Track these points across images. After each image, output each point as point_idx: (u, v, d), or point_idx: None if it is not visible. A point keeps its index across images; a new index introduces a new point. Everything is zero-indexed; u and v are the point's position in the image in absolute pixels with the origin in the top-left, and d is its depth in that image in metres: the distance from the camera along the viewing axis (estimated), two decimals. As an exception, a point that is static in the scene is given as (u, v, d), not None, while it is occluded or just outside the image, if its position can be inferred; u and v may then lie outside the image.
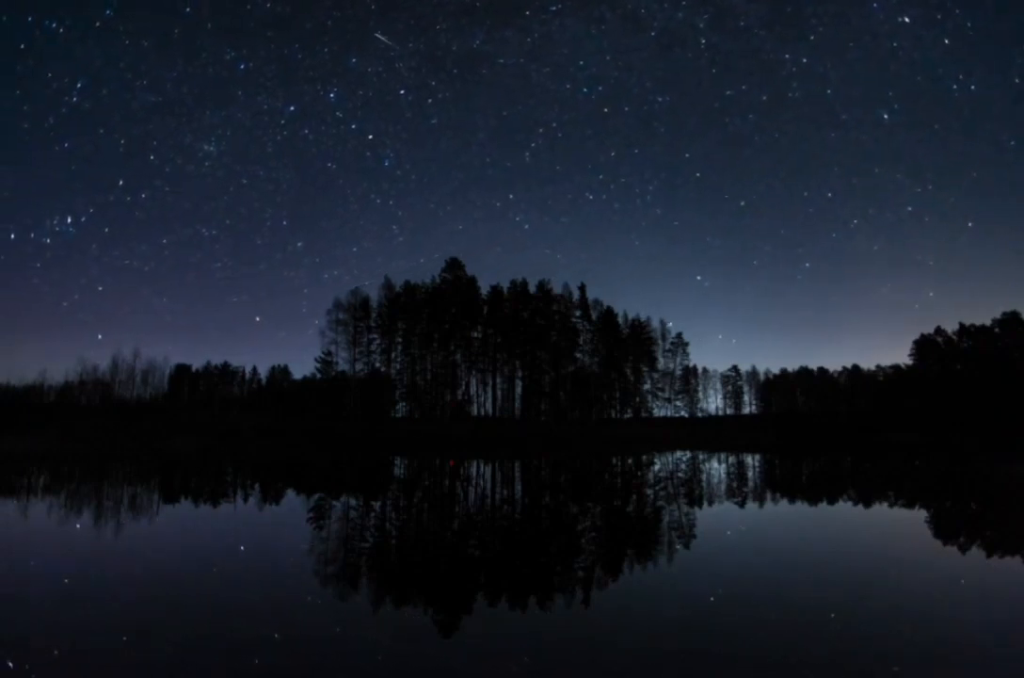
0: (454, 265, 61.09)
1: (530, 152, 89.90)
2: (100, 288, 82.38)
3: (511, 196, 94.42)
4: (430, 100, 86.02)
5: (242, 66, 74.79)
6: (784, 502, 10.50)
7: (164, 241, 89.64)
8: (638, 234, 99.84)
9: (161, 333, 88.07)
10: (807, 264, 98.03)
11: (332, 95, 76.92)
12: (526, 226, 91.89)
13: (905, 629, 3.69)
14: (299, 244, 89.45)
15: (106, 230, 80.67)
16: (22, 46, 67.86)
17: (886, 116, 77.84)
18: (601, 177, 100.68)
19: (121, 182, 78.40)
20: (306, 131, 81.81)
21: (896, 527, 7.89)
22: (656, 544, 6.48)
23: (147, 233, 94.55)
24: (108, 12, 66.48)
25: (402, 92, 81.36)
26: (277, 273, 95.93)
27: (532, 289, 61.95)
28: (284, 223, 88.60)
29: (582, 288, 63.59)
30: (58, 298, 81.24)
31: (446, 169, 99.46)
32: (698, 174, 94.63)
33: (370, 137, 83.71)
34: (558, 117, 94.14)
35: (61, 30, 65.84)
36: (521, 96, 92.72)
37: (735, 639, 3.49)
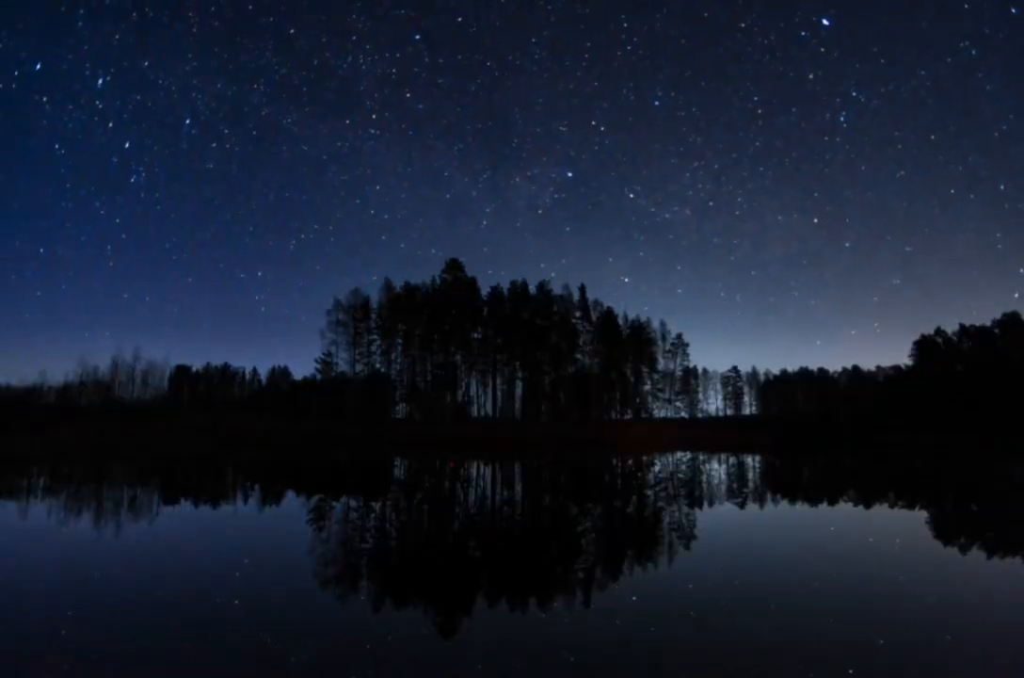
0: (454, 266, 61.15)
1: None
2: (100, 289, 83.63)
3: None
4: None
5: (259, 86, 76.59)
6: (784, 503, 10.50)
7: (164, 241, 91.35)
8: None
9: (161, 334, 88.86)
10: (805, 266, 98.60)
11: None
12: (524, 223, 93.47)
13: (907, 631, 3.69)
14: (302, 242, 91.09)
15: (112, 232, 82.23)
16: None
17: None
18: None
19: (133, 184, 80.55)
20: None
21: (897, 528, 7.89)
22: (656, 545, 6.47)
23: (148, 234, 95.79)
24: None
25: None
26: (279, 273, 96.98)
27: (532, 290, 62.05)
28: (290, 222, 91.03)
29: (582, 289, 63.74)
30: (58, 299, 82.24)
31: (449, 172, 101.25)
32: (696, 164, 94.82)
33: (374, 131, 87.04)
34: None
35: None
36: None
37: (736, 640, 3.49)
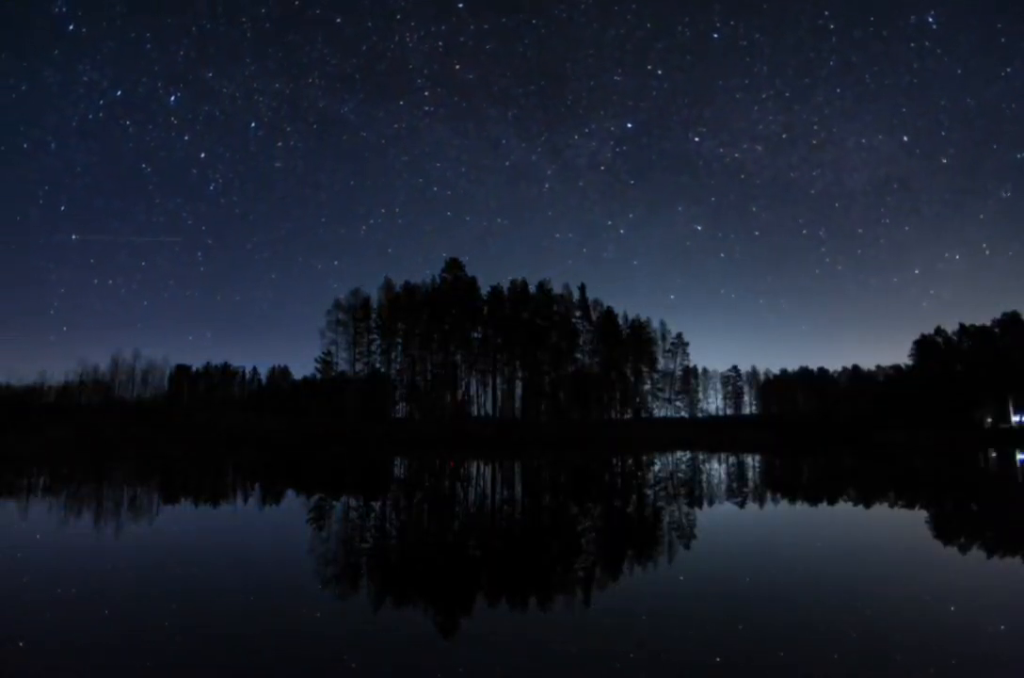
0: (454, 265, 61.10)
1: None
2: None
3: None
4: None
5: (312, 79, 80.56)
6: (784, 503, 10.50)
7: (246, 242, 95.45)
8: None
9: (161, 333, 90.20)
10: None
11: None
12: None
13: (907, 631, 3.69)
14: (372, 227, 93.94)
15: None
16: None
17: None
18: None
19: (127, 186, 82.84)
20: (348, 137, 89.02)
21: (896, 527, 7.89)
22: (656, 544, 6.47)
23: (230, 237, 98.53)
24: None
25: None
26: (353, 260, 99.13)
27: (532, 289, 62.01)
28: (357, 209, 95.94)
29: (582, 288, 63.70)
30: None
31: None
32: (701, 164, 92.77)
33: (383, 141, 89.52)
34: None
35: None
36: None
37: (735, 640, 3.49)
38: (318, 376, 59.87)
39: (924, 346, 65.90)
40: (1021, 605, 4.30)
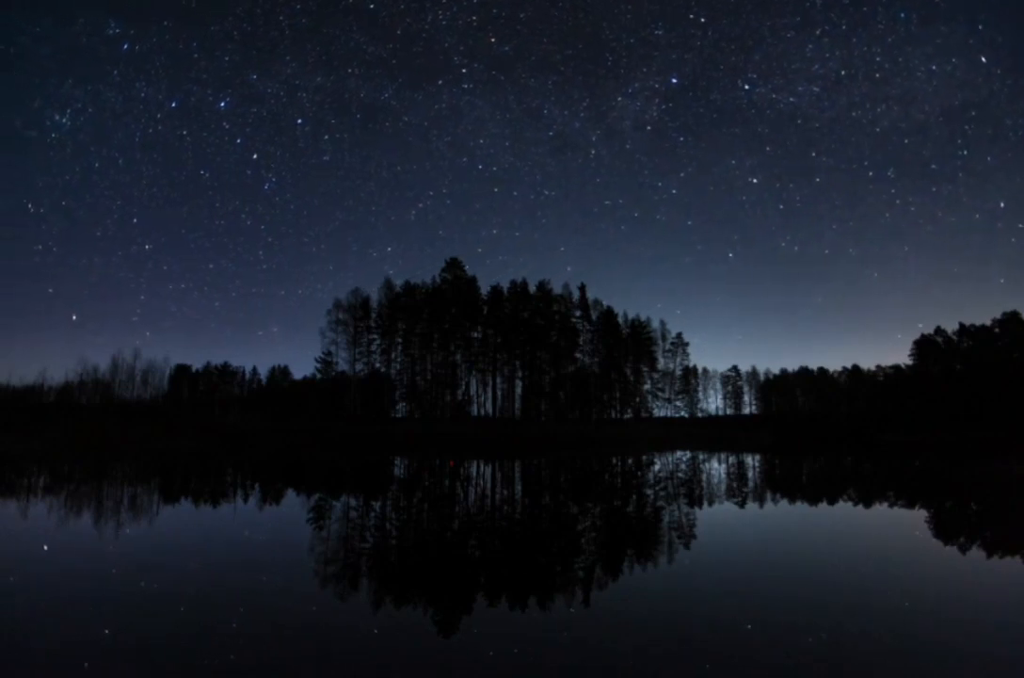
0: (454, 265, 61.14)
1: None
2: (100, 288, 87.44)
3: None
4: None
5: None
6: (784, 503, 10.50)
7: (303, 236, 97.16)
8: (638, 234, 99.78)
9: (161, 333, 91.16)
10: (807, 265, 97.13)
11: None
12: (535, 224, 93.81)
13: (907, 631, 3.69)
14: (421, 211, 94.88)
15: (105, 228, 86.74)
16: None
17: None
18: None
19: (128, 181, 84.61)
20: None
21: (896, 527, 7.89)
22: (656, 544, 6.48)
23: (288, 233, 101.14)
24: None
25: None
26: (408, 244, 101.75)
27: (532, 289, 62.04)
28: (406, 194, 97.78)
29: (582, 288, 63.74)
30: (58, 298, 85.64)
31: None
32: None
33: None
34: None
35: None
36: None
37: (735, 640, 3.49)
38: (318, 376, 59.94)
39: (924, 346, 65.93)
40: (1020, 604, 4.30)
